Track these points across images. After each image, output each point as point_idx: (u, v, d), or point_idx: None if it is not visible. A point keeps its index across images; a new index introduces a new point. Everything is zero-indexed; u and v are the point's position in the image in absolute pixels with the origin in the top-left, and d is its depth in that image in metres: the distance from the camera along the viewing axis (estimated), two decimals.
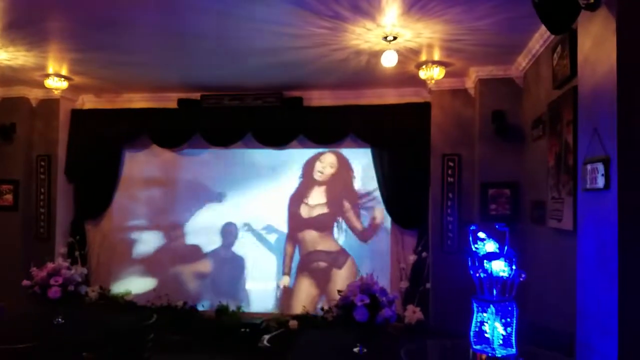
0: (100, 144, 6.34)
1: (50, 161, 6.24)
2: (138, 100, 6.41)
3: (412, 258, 5.59)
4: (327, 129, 5.90)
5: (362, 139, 5.88)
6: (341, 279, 5.89)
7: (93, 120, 6.37)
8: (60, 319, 3.69)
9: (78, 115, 6.44)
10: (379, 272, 5.67)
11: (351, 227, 6.06)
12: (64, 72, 5.39)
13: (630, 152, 2.10)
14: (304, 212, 6.18)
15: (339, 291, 3.18)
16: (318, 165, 6.22)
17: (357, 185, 6.10)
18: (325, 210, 6.14)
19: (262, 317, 5.80)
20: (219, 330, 5.57)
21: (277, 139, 6.07)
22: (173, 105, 6.17)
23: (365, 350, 3.01)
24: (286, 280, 6.15)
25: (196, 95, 6.09)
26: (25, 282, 3.68)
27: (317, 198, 6.18)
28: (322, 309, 5.70)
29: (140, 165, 6.55)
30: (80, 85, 5.94)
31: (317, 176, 6.20)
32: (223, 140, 6.17)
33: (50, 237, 6.20)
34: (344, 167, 6.17)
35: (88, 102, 6.54)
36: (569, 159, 3.34)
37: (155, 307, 5.89)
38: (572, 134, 3.25)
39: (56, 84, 5.48)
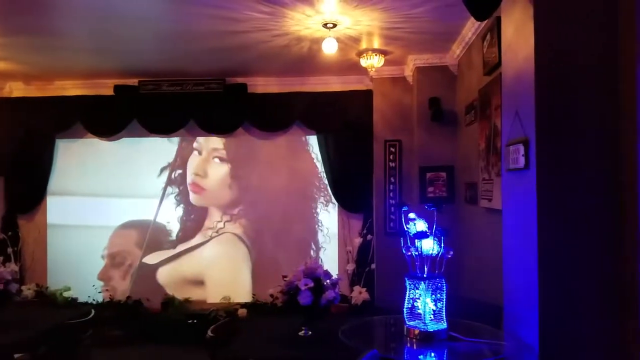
0: (31, 134, 6.02)
1: None
2: (71, 88, 6.10)
3: (357, 241, 5.75)
4: (272, 116, 5.89)
5: (307, 126, 5.92)
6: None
7: (22, 109, 6.01)
8: None
9: (5, 104, 6.05)
10: (327, 255, 5.91)
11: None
12: None
13: (548, 133, 2.25)
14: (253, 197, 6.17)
15: (284, 277, 3.22)
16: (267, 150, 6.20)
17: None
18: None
19: (211, 308, 5.75)
20: (166, 323, 5.47)
21: (222, 127, 5.99)
22: (109, 92, 5.92)
23: (310, 332, 3.06)
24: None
25: (134, 81, 5.87)
26: None
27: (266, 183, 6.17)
28: (271, 295, 5.72)
29: (76, 155, 6.26)
30: (6, 72, 5.57)
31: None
32: (163, 128, 6.01)
33: None
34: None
35: (16, 90, 6.15)
36: (497, 142, 3.53)
37: (97, 303, 5.72)
38: (500, 117, 3.42)
39: None
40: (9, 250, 5.87)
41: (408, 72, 5.40)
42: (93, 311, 3.88)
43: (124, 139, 6.16)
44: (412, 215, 2.33)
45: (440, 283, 2.30)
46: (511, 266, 2.61)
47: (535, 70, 2.27)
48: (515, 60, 2.56)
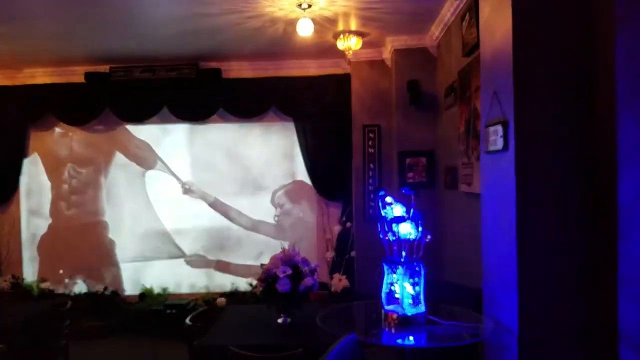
0: (1, 125, 5.78)
1: None
2: (41, 76, 5.88)
3: (337, 228, 5.68)
4: (247, 102, 5.75)
5: (283, 112, 5.80)
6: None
7: None
8: None
9: None
10: (305, 243, 5.84)
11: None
12: None
13: (526, 113, 2.21)
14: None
15: (262, 265, 3.19)
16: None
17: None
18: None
19: (189, 298, 5.68)
20: (144, 314, 5.39)
21: (196, 114, 5.84)
22: (80, 79, 5.71)
23: (289, 320, 3.06)
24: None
25: (105, 68, 5.66)
26: None
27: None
28: (250, 284, 5.66)
29: (48, 145, 6.07)
30: None
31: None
32: (136, 115, 5.84)
33: None
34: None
35: None
36: (477, 124, 3.49)
37: (73, 295, 5.62)
38: (479, 100, 3.38)
39: None
40: None
41: (386, 54, 5.32)
42: (70, 302, 3.81)
43: (96, 127, 5.98)
44: (389, 199, 2.28)
45: (418, 267, 2.27)
46: (490, 249, 2.59)
47: (512, 50, 2.22)
48: (492, 40, 2.51)
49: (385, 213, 2.28)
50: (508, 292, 2.27)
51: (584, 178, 2.16)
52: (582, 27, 2.18)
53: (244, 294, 5.65)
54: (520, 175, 2.20)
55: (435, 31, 4.73)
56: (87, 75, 5.66)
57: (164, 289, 5.82)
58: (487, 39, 2.60)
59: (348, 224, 5.60)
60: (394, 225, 2.25)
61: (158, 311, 5.38)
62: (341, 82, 5.61)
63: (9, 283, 5.64)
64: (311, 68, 5.76)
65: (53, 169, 6.09)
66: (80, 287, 5.89)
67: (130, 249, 6.05)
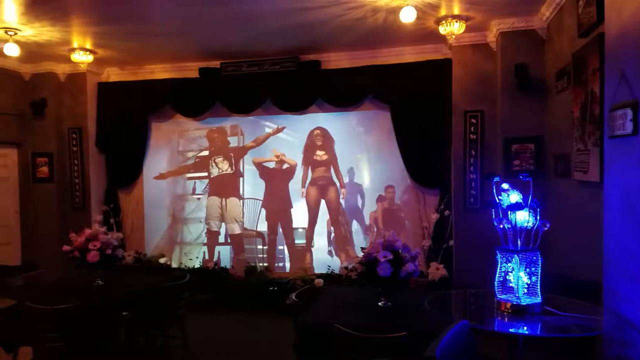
0: (126, 116, 6.51)
1: (81, 134, 6.47)
2: (160, 72, 6.51)
3: (434, 216, 5.61)
4: (345, 91, 5.86)
5: (380, 99, 5.84)
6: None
7: (118, 92, 6.51)
8: (99, 281, 3.90)
9: (104, 88, 6.59)
10: (400, 231, 5.86)
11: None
12: (88, 45, 5.50)
13: None
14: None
15: (362, 248, 3.26)
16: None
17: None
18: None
19: (288, 277, 5.98)
20: (249, 289, 5.79)
21: (296, 104, 6.09)
22: (194, 74, 6.24)
23: (389, 303, 3.09)
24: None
25: (216, 64, 6.13)
26: (65, 248, 3.86)
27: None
28: (345, 268, 5.82)
29: (166, 135, 6.70)
30: (104, 59, 6.04)
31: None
32: (243, 107, 6.23)
33: (85, 206, 6.49)
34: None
35: (113, 75, 6.67)
36: (595, 108, 3.28)
37: (187, 269, 6.16)
38: (598, 82, 3.17)
39: (81, 58, 5.59)
40: (112, 220, 6.45)
41: (491, 37, 5.12)
42: (188, 275, 4.15)
43: (207, 119, 6.49)
44: (505, 185, 2.24)
45: (535, 256, 2.22)
46: (613, 241, 2.46)
47: None
48: (620, 17, 2.36)
49: (500, 200, 2.25)
50: (632, 284, 2.15)
51: None
52: None
53: (339, 276, 5.82)
54: None
55: (546, 12, 4.46)
56: (201, 70, 6.17)
57: (266, 267, 6.18)
58: (614, 18, 2.44)
59: (446, 213, 5.51)
60: (509, 212, 2.21)
61: (261, 287, 5.75)
62: (440, 67, 5.50)
63: (133, 257, 6.35)
64: (408, 55, 5.72)
65: (172, 157, 6.70)
66: (192, 262, 6.44)
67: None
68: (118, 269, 4.55)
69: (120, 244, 4.02)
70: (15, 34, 4.83)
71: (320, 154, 6.25)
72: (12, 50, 4.90)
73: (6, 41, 4.87)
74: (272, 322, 5.09)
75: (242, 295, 5.76)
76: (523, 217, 2.19)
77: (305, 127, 6.28)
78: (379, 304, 3.10)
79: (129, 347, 4.01)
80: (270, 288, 5.71)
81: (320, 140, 6.24)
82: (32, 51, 5.56)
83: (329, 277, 5.84)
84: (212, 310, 5.59)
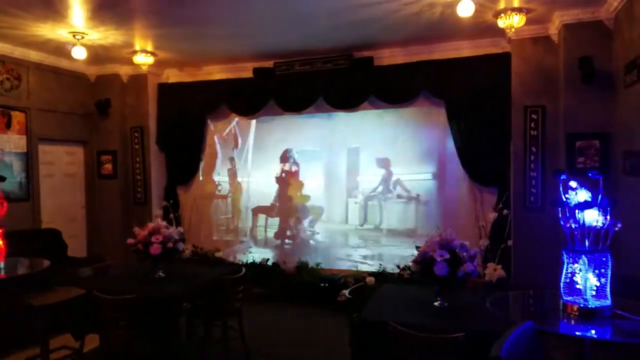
0: (185, 115, 6.77)
1: (142, 132, 6.80)
2: (217, 72, 6.73)
3: (492, 215, 5.41)
4: (398, 87, 5.80)
5: (435, 95, 5.72)
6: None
7: (177, 93, 6.79)
8: (161, 273, 4.06)
9: (164, 89, 6.90)
10: (456, 230, 5.71)
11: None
12: (149, 48, 5.77)
13: None
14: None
15: (417, 247, 3.17)
16: None
17: None
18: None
19: (339, 274, 6.00)
20: (300, 285, 5.87)
21: (348, 102, 6.09)
22: (248, 74, 6.39)
23: (446, 304, 3.01)
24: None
25: (269, 64, 6.25)
26: (130, 241, 4.04)
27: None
28: (397, 266, 5.77)
29: (222, 134, 6.91)
30: (164, 60, 6.32)
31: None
32: (295, 106, 6.31)
33: (146, 201, 6.83)
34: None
35: (172, 76, 6.96)
36: None
37: (242, 264, 6.31)
38: None
39: (143, 60, 5.87)
40: (171, 215, 6.73)
41: (553, 30, 4.90)
42: (244, 269, 4.26)
43: (262, 117, 6.65)
44: (573, 183, 2.14)
45: (605, 258, 2.11)
46: None
47: None
48: None
49: (568, 198, 2.15)
50: None
51: None
52: None
53: (391, 274, 5.77)
54: None
55: (614, 2, 4.22)
56: (255, 70, 6.31)
57: (317, 264, 6.24)
58: None
59: (505, 212, 5.31)
60: (577, 211, 2.11)
61: (313, 283, 5.81)
62: (498, 61, 5.33)
63: (190, 251, 6.59)
64: (465, 49, 5.58)
65: (226, 155, 6.91)
66: (246, 257, 6.61)
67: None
68: (178, 262, 4.72)
69: (181, 238, 4.17)
70: (83, 37, 5.13)
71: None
72: (80, 54, 5.22)
73: (74, 45, 5.18)
74: (325, 318, 5.14)
75: (294, 291, 5.86)
76: (592, 217, 2.08)
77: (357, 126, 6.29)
78: (435, 303, 3.03)
79: (189, 337, 4.17)
80: (322, 284, 5.75)
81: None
82: (98, 54, 5.89)
83: (380, 275, 5.81)
84: (266, 303, 5.72)
